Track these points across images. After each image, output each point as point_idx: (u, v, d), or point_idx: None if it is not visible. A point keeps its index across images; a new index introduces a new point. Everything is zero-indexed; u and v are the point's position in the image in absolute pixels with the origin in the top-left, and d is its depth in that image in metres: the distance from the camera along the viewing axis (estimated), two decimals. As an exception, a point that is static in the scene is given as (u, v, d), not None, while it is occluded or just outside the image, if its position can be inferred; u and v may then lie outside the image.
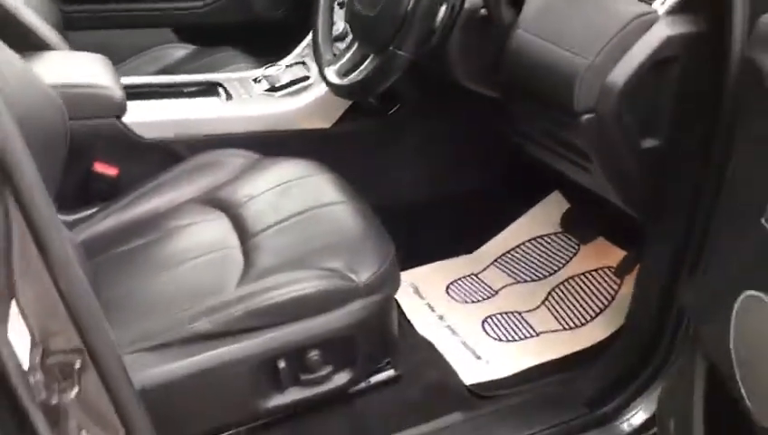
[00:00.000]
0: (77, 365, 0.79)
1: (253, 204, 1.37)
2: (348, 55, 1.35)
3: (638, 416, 1.29)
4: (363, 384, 1.30)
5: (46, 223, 0.73)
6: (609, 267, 1.72)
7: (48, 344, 0.78)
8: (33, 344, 0.77)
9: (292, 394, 1.17)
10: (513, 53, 1.19)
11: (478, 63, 1.29)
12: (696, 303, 1.01)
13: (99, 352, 0.81)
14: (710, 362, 0.99)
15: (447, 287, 1.72)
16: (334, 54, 1.39)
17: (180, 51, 2.17)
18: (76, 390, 0.77)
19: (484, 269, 1.77)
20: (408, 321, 1.58)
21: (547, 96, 1.16)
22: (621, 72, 1.08)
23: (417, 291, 1.69)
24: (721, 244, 0.99)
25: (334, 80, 1.35)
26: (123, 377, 0.84)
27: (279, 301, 1.13)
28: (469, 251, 1.81)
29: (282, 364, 1.13)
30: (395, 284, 1.27)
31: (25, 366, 0.73)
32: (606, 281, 1.70)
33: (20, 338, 0.74)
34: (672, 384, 1.17)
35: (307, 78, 1.66)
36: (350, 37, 1.43)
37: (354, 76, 1.29)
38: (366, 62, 1.27)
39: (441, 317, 1.62)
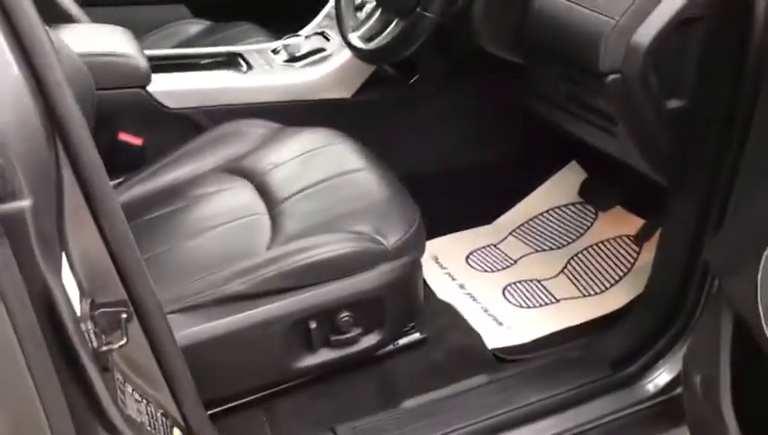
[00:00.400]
0: (123, 316, 0.81)
1: (277, 172, 1.38)
2: (371, 21, 1.35)
3: (662, 376, 1.30)
4: (390, 347, 1.32)
5: (94, 174, 0.75)
6: (627, 236, 1.73)
7: (95, 297, 0.80)
8: (82, 295, 0.78)
9: (323, 355, 1.20)
10: (537, 15, 1.20)
11: (502, 27, 1.30)
12: (722, 257, 1.02)
13: (143, 304, 0.83)
14: (736, 316, 1.01)
15: (467, 257, 1.74)
16: (358, 21, 1.40)
17: (195, 26, 2.18)
18: (124, 341, 0.79)
19: (503, 239, 1.78)
20: (430, 289, 1.59)
21: (572, 57, 1.16)
22: (646, 32, 1.08)
23: (437, 260, 1.71)
24: (746, 198, 1.00)
25: (359, 45, 1.36)
26: (166, 329, 0.86)
27: (310, 262, 1.15)
28: (488, 222, 1.82)
29: (313, 325, 1.16)
30: (421, 247, 1.29)
31: (78, 314, 0.75)
32: (625, 249, 1.71)
33: (71, 288, 0.76)
34: (697, 341, 1.18)
35: (326, 48, 1.67)
36: (370, 5, 1.43)
37: (380, 40, 1.30)
38: (391, 26, 1.28)
39: (462, 286, 1.64)
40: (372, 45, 1.33)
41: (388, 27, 1.30)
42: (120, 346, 0.79)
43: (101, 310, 0.80)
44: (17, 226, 0.65)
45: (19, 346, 0.65)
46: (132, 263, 0.80)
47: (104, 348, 0.78)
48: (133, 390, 0.88)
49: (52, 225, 0.73)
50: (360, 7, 1.50)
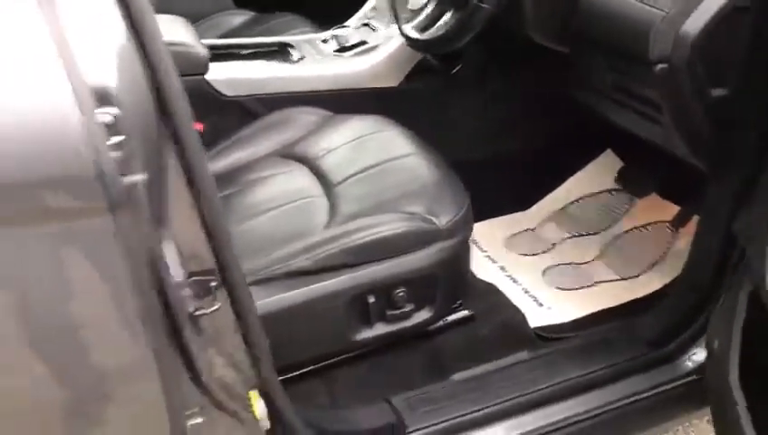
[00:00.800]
0: (213, 284, 0.88)
1: (330, 157, 1.45)
2: (426, 12, 1.41)
3: (697, 356, 1.36)
4: (441, 323, 1.39)
5: (196, 157, 0.82)
6: (663, 222, 1.79)
7: (189, 266, 0.87)
8: (180, 264, 0.86)
9: (379, 329, 1.27)
10: (586, 7, 1.25)
11: (551, 18, 1.35)
12: (746, 230, 1.08)
13: (231, 275, 0.90)
14: (754, 286, 1.07)
15: (506, 241, 1.80)
16: (411, 11, 1.46)
17: (239, 17, 2.24)
18: (217, 305, 0.86)
19: (541, 224, 1.84)
20: (472, 270, 1.65)
21: (621, 48, 1.21)
22: (695, 23, 1.13)
23: (477, 244, 1.77)
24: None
25: (414, 35, 1.42)
26: (250, 298, 0.93)
27: (368, 240, 1.22)
28: (525, 207, 1.88)
29: (371, 299, 1.22)
30: (470, 228, 1.35)
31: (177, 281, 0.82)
32: (660, 234, 1.76)
33: (171, 257, 0.83)
34: (720, 311, 1.24)
35: (372, 39, 1.73)
36: (423, -4, 1.49)
37: (434, 31, 1.36)
38: (445, 17, 1.34)
39: (503, 268, 1.70)
40: (427, 36, 1.39)
41: (441, 18, 1.36)
42: (213, 311, 0.87)
43: (194, 278, 0.87)
44: (134, 197, 0.72)
45: (138, 306, 0.72)
46: (223, 238, 0.88)
47: (198, 312, 0.85)
48: (217, 352, 0.95)
49: (158, 199, 0.80)
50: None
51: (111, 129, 0.68)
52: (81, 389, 0.78)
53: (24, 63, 0.65)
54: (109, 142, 0.68)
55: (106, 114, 0.67)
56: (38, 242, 0.69)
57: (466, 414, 1.24)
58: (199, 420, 0.90)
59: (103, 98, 0.67)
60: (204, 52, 1.50)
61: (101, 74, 0.68)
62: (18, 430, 0.76)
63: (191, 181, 0.83)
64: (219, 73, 1.58)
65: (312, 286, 1.18)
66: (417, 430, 1.20)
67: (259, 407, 1.01)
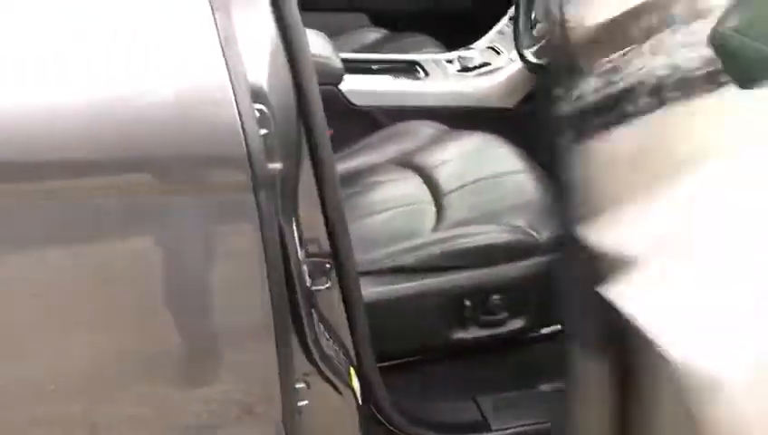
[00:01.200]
0: (327, 266, 1.01)
1: (443, 168, 1.55)
2: (545, 39, 1.50)
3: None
4: (533, 334, 1.45)
5: (325, 154, 0.95)
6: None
7: (309, 248, 1.00)
8: (300, 245, 0.99)
9: (473, 332, 1.35)
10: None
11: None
12: None
13: (344, 261, 1.02)
14: None
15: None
16: (534, 38, 1.55)
17: (373, 34, 2.40)
18: (329, 284, 0.99)
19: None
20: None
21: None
22: None
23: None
24: None
25: (533, 60, 1.51)
26: (358, 284, 1.05)
27: (470, 246, 1.31)
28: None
29: (467, 303, 1.31)
30: (570, 247, 1.41)
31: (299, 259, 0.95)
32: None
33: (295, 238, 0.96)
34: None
35: (495, 62, 1.83)
36: (543, 25, 1.57)
37: (553, 58, 1.44)
38: (565, 46, 1.42)
39: (601, 292, 1.73)
40: (545, 61, 1.47)
41: (560, 46, 1.44)
42: (326, 288, 0.99)
43: (312, 259, 1.00)
44: (272, 181, 0.85)
45: (266, 272, 0.85)
46: (341, 227, 1.00)
47: (313, 288, 0.98)
48: (324, 328, 1.07)
49: (290, 186, 0.93)
50: (533, 26, 1.64)
51: (259, 122, 0.82)
52: (208, 345, 0.92)
53: (197, 62, 0.80)
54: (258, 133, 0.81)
55: (258, 109, 0.81)
56: (189, 211, 0.84)
57: (549, 423, 1.29)
58: (302, 385, 1.02)
59: (256, 95, 0.81)
60: (339, 64, 1.65)
61: (257, 75, 0.82)
62: (149, 376, 0.90)
63: (319, 176, 0.96)
64: (351, 84, 1.73)
65: (413, 283, 1.28)
66: (499, 430, 1.27)
67: (354, 383, 1.12)
